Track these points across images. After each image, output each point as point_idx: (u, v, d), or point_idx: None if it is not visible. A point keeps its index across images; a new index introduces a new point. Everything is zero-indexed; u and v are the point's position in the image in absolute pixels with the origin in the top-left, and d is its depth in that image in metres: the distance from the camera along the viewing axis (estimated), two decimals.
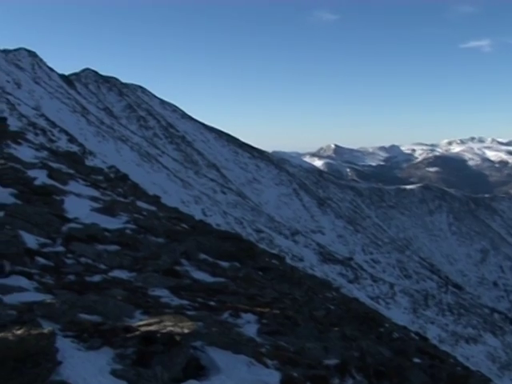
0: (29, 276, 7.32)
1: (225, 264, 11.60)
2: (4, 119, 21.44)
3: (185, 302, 7.85)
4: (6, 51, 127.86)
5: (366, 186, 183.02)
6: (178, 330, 5.50)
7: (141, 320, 6.18)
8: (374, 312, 17.19)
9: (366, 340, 9.76)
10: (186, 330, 5.49)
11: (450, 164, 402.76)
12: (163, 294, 8.06)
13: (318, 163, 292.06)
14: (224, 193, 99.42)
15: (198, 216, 43.25)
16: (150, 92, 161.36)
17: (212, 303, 8.21)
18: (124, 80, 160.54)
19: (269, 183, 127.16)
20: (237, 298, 8.75)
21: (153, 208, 16.24)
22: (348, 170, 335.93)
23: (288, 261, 31.93)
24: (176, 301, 7.83)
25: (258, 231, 79.84)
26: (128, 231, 11.28)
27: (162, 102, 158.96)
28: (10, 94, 74.70)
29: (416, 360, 10.96)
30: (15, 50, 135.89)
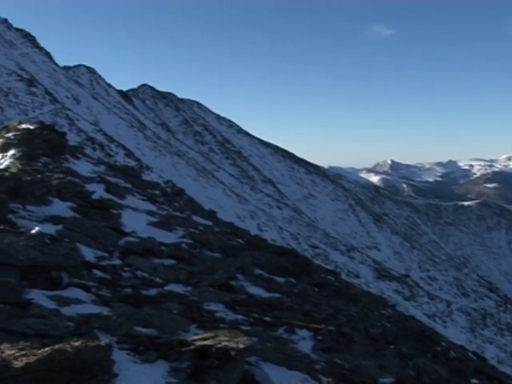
0: (86, 288, 7.41)
1: (280, 279, 11.58)
2: (63, 134, 21.79)
3: (240, 317, 7.85)
4: (66, 68, 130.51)
5: (423, 203, 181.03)
6: (232, 345, 5.50)
7: (196, 334, 6.20)
8: (430, 330, 16.94)
9: (422, 359, 9.62)
10: (240, 345, 5.48)
11: (508, 180, 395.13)
12: (218, 308, 8.07)
13: (375, 179, 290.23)
14: (280, 208, 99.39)
15: (254, 231, 43.32)
16: (206, 107, 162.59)
17: (267, 319, 8.19)
18: (180, 95, 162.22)
19: (325, 199, 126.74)
20: (292, 314, 8.72)
21: (209, 223, 16.32)
22: (404, 185, 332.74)
23: (343, 277, 31.72)
24: (231, 316, 7.83)
25: (314, 247, 79.60)
26: (184, 245, 11.34)
27: (218, 117, 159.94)
28: (69, 110, 76.09)
29: (474, 381, 10.76)
30: (75, 67, 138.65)
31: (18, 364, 4.11)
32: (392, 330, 11.80)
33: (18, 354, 4.27)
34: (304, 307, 9.61)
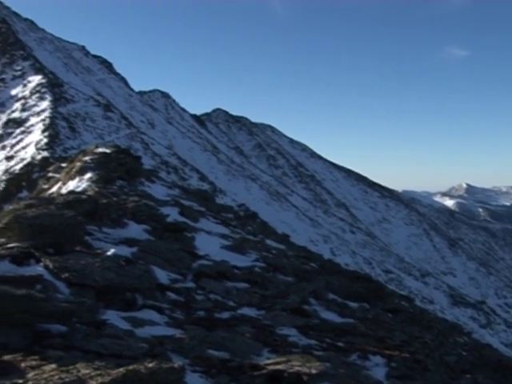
0: (160, 310, 7.47)
1: (353, 304, 11.46)
2: (139, 158, 22.19)
3: (313, 342, 7.78)
4: (141, 93, 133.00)
5: (500, 227, 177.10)
6: (305, 369, 5.45)
7: (268, 358, 6.17)
8: (508, 360, 16.47)
9: None
10: (313, 371, 5.43)
11: None
12: (291, 332, 8.02)
13: (449, 203, 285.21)
14: (353, 232, 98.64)
15: (327, 255, 43.06)
16: (279, 131, 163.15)
17: (340, 344, 8.10)
18: (254, 119, 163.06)
19: (398, 223, 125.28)
20: (365, 340, 8.60)
21: (282, 246, 16.29)
22: (480, 209, 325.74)
23: (418, 303, 31.18)
24: (304, 340, 7.77)
25: (387, 272, 78.64)
26: (257, 269, 11.34)
27: (292, 141, 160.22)
28: (144, 134, 77.35)
29: None
30: (150, 92, 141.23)
31: (93, 383, 4.16)
32: (468, 359, 11.52)
33: (93, 374, 4.32)
34: (378, 333, 9.47)
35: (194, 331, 6.75)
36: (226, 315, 8.14)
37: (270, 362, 5.78)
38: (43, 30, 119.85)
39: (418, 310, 16.21)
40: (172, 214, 13.83)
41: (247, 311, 8.65)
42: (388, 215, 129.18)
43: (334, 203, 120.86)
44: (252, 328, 7.67)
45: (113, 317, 6.55)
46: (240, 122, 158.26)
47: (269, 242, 16.36)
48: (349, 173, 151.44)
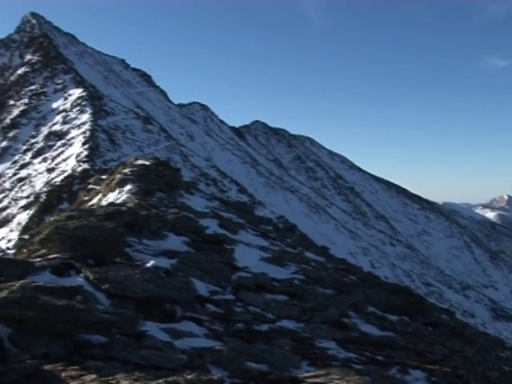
0: (199, 322, 7.48)
1: (393, 318, 11.35)
2: (178, 170, 22.32)
3: (352, 355, 7.72)
4: (180, 105, 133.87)
5: None
6: (344, 383, 5.41)
7: (307, 371, 6.13)
8: None
9: None
10: None
11: None
12: (330, 345, 7.97)
13: (491, 215, 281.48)
14: (393, 245, 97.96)
15: (366, 268, 42.78)
16: (318, 143, 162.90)
17: (380, 358, 8.02)
18: (293, 132, 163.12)
19: (439, 235, 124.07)
20: (405, 354, 8.51)
21: (321, 259, 16.23)
22: None
23: (458, 316, 30.82)
24: (343, 353, 7.72)
25: (428, 285, 77.89)
26: (296, 281, 11.30)
27: (331, 153, 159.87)
28: (183, 146, 77.80)
29: None
30: (189, 104, 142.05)
31: None
32: (511, 374, 11.34)
33: None
34: (418, 347, 9.37)
35: (233, 343, 6.74)
36: (265, 327, 8.12)
37: (309, 375, 5.74)
38: (84, 43, 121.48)
39: (458, 323, 16.01)
40: (211, 226, 13.87)
41: (286, 324, 8.62)
42: (428, 227, 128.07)
43: (373, 215, 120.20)
44: (291, 341, 7.64)
45: (152, 328, 6.57)
46: (279, 134, 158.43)
47: (308, 254, 16.31)
48: (388, 185, 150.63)
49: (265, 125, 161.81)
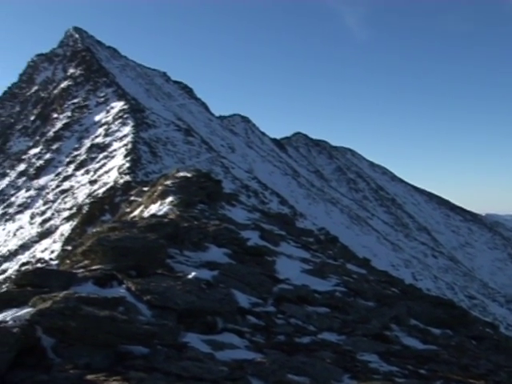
0: (240, 334, 7.47)
1: (436, 331, 11.22)
2: (219, 181, 22.39)
3: (394, 369, 7.64)
4: (221, 117, 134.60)
5: None
6: None
7: None
8: None
9: None
10: None
11: None
12: (372, 359, 7.90)
13: None
14: (435, 257, 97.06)
15: (408, 280, 42.45)
16: (359, 154, 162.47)
17: (422, 371, 7.92)
18: (334, 143, 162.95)
19: (482, 247, 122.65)
20: (449, 368, 8.39)
21: (363, 271, 16.12)
22: None
23: (502, 330, 30.37)
24: (385, 367, 7.64)
25: (471, 297, 76.99)
26: (338, 294, 11.24)
27: (372, 164, 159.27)
28: (224, 158, 78.10)
29: None
30: (230, 116, 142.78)
31: None
32: None
33: None
34: (461, 361, 9.23)
35: (274, 355, 6.72)
36: (306, 340, 8.08)
37: None
38: (125, 57, 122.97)
39: (503, 337, 15.75)
40: (253, 238, 13.86)
41: (328, 336, 8.57)
42: (471, 239, 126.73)
43: (415, 227, 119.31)
44: (333, 353, 7.59)
45: (193, 339, 6.58)
46: (320, 145, 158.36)
47: (349, 266, 16.23)
48: (430, 196, 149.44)
49: (306, 136, 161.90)
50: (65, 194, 67.14)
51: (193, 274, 8.79)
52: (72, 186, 67.81)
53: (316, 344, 8.01)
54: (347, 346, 8.29)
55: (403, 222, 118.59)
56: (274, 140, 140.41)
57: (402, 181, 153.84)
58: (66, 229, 56.59)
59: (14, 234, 67.28)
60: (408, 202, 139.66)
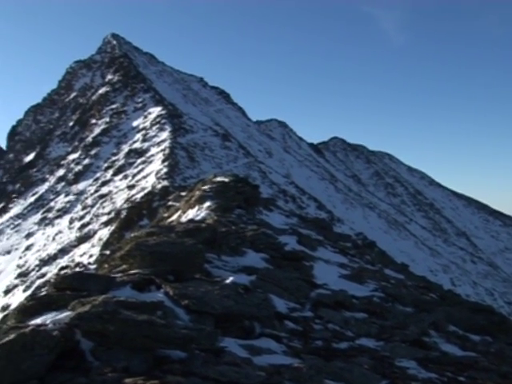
0: (277, 339, 7.46)
1: (475, 337, 11.09)
2: (257, 186, 22.37)
3: (433, 376, 7.57)
4: (258, 122, 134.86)
5: None
6: None
7: None
8: None
9: None
10: None
11: None
12: (410, 365, 7.83)
13: None
14: (474, 262, 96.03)
15: (447, 286, 42.06)
16: (397, 159, 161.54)
17: (461, 378, 7.84)
18: (371, 147, 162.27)
19: None
20: (488, 375, 8.29)
21: (400, 276, 16.01)
22: None
23: None
24: (423, 373, 7.57)
25: (510, 304, 75.95)
26: (376, 299, 11.18)
27: (410, 168, 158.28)
28: (262, 163, 78.14)
29: None
30: (267, 121, 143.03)
31: None
32: None
33: None
34: (501, 368, 9.11)
35: (311, 361, 6.70)
36: (344, 345, 8.04)
37: None
38: (163, 63, 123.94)
39: None
40: (290, 243, 13.85)
41: (365, 342, 8.52)
42: (511, 244, 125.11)
43: (453, 232, 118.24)
44: (370, 359, 7.54)
45: (231, 344, 6.59)
46: (357, 150, 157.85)
47: (387, 271, 16.13)
48: (469, 201, 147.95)
49: (343, 141, 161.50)
50: (103, 199, 67.71)
51: (230, 278, 8.81)
52: (110, 191, 68.37)
53: (354, 350, 7.97)
54: (385, 351, 8.23)
55: (441, 227, 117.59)
56: (311, 145, 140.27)
57: (440, 185, 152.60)
58: (104, 233, 57.06)
59: (53, 239, 68.04)
60: (446, 206, 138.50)
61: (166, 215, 22.62)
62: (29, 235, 75.01)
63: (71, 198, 76.56)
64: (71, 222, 69.18)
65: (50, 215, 76.08)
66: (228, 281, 8.63)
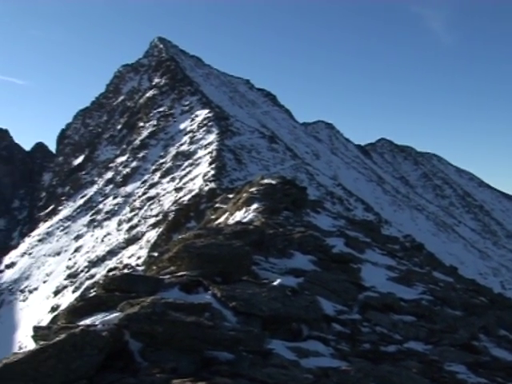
0: (325, 341, 7.44)
1: None
2: (304, 188, 22.35)
3: (483, 381, 7.46)
4: (305, 124, 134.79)
5: None
6: None
7: None
8: None
9: None
10: None
11: None
12: (460, 369, 7.74)
13: None
14: None
15: (497, 289, 41.45)
16: (445, 160, 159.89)
17: None
18: (419, 148, 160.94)
19: None
20: None
21: (449, 279, 15.85)
22: None
23: None
24: (473, 378, 7.47)
25: None
26: (424, 302, 11.06)
27: (458, 170, 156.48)
28: (309, 165, 78.03)
29: None
30: (314, 123, 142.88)
31: None
32: None
33: None
34: None
35: (359, 364, 6.66)
36: (392, 349, 7.98)
37: None
38: (209, 65, 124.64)
39: None
40: (338, 245, 13.79)
41: (414, 345, 8.45)
42: None
43: (503, 234, 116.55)
44: (419, 363, 7.47)
45: (278, 346, 6.59)
46: (405, 151, 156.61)
47: (436, 274, 15.97)
48: None
49: (390, 142, 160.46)
50: (151, 201, 68.29)
51: (278, 280, 8.80)
52: (158, 194, 68.92)
53: (402, 353, 7.90)
54: (434, 355, 8.15)
55: (491, 229, 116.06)
56: (359, 146, 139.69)
57: (489, 187, 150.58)
58: (152, 235, 57.53)
59: (102, 240, 68.89)
60: (496, 208, 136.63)
61: (213, 217, 22.72)
62: (78, 237, 76.12)
63: (119, 200, 77.43)
64: (119, 224, 69.96)
65: (99, 217, 77.06)
66: (275, 283, 8.62)
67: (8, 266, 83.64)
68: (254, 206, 17.82)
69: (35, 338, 6.03)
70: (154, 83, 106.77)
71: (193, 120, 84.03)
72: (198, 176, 62.21)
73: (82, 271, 65.33)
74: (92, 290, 51.52)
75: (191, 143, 76.02)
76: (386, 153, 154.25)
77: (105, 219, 75.35)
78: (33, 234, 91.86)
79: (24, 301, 70.05)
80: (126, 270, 51.25)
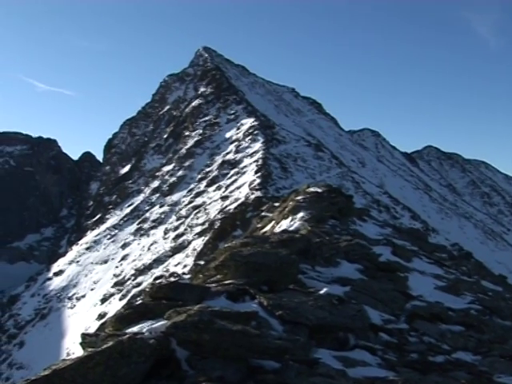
0: (372, 351, 7.38)
1: None
2: (350, 197, 22.23)
3: None
4: (350, 132, 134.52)
5: None
6: None
7: None
8: None
9: None
10: None
11: None
12: (510, 381, 7.59)
13: None
14: None
15: None
16: (493, 167, 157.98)
17: None
18: (466, 156, 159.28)
19: None
20: None
21: (498, 288, 15.62)
22: None
23: None
24: None
25: None
26: (473, 312, 10.92)
27: (507, 177, 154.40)
28: (355, 173, 77.71)
29: None
30: (359, 131, 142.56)
31: None
32: None
33: None
34: None
35: (407, 374, 6.60)
36: (440, 359, 7.89)
37: None
38: (254, 74, 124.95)
39: None
40: (385, 254, 13.69)
41: (462, 356, 8.33)
42: None
43: None
44: (467, 374, 7.37)
45: (325, 356, 6.56)
46: (452, 158, 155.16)
47: (484, 283, 15.74)
48: None
49: (437, 149, 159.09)
50: (197, 210, 68.67)
51: (324, 289, 8.77)
52: (204, 202, 69.28)
53: (450, 363, 7.80)
54: (483, 366, 8.03)
55: None
56: (405, 154, 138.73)
57: None
58: (198, 244, 57.84)
59: (149, 249, 69.46)
60: None
61: (259, 225, 22.74)
62: (125, 245, 76.86)
63: (166, 208, 78.01)
64: (166, 232, 70.46)
65: (146, 226, 77.72)
66: (322, 292, 8.59)
67: (56, 274, 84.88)
68: (300, 214, 17.78)
69: (83, 344, 6.10)
70: (199, 92, 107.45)
71: (238, 129, 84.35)
72: (244, 185, 62.40)
73: (128, 279, 65.95)
74: (139, 298, 51.97)
75: (237, 152, 76.29)
76: (433, 160, 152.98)
77: (151, 228, 75.99)
78: (80, 242, 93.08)
79: (72, 308, 71.00)
80: (172, 279, 51.53)
